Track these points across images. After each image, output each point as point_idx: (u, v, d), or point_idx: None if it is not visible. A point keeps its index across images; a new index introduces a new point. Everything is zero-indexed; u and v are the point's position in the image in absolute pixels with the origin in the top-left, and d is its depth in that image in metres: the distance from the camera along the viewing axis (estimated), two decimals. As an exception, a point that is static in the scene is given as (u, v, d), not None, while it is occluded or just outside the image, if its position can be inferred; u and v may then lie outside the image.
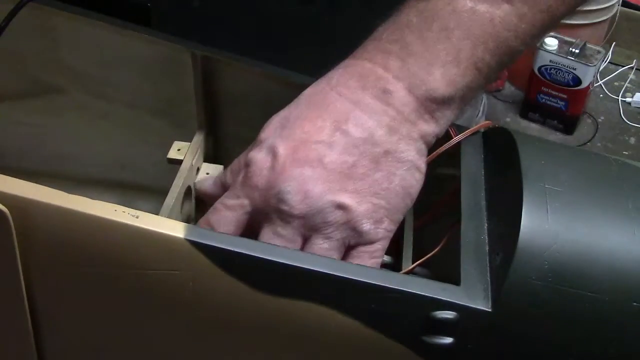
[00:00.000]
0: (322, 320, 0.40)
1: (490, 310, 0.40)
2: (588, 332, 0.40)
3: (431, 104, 0.45)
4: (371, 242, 0.44)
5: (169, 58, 0.57)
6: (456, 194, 0.46)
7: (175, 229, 0.39)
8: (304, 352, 0.42)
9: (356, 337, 0.41)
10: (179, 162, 0.55)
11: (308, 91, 0.46)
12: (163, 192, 0.52)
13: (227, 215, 0.45)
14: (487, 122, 0.51)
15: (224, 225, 0.45)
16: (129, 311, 0.43)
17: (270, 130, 0.45)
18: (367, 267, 0.43)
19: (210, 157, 0.60)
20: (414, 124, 0.45)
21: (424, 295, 0.39)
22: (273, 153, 0.44)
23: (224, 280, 0.40)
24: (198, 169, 0.57)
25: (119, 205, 0.40)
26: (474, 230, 0.44)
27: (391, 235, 0.45)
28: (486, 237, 0.43)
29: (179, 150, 0.56)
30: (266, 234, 0.44)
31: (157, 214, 0.42)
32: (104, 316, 0.43)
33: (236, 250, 0.39)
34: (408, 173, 0.45)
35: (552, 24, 0.47)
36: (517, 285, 0.39)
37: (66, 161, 0.65)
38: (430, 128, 0.45)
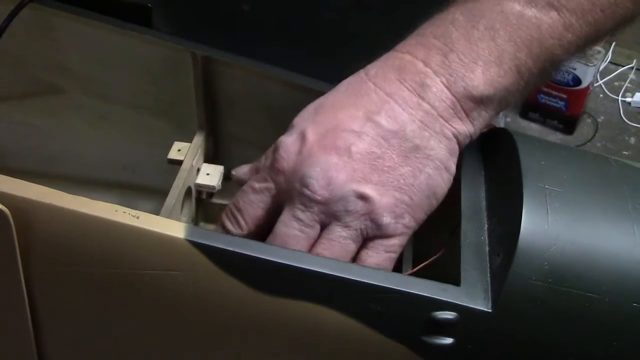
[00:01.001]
0: (322, 320, 0.40)
1: (490, 310, 0.40)
2: (588, 333, 0.40)
3: (469, 102, 0.44)
4: (389, 236, 0.44)
5: (169, 58, 0.57)
6: (456, 195, 0.46)
7: (176, 229, 0.39)
8: (304, 352, 0.42)
9: (356, 337, 0.41)
10: (179, 163, 0.55)
11: (346, 80, 0.47)
12: (163, 193, 0.52)
13: (253, 198, 0.46)
14: (488, 125, 0.50)
15: (250, 208, 0.46)
16: (129, 311, 0.43)
17: (304, 116, 0.46)
18: (367, 267, 0.43)
19: (211, 157, 0.60)
20: (447, 121, 0.44)
21: (424, 295, 0.39)
22: (302, 138, 0.44)
23: (224, 280, 0.40)
24: (198, 170, 0.57)
25: (119, 206, 0.40)
26: (474, 230, 0.44)
27: (410, 232, 0.45)
28: (486, 237, 0.43)
29: (179, 150, 0.56)
30: (285, 216, 0.44)
31: (157, 214, 0.42)
32: (104, 316, 0.43)
33: (236, 250, 0.39)
34: (436, 172, 0.44)
35: (596, 39, 0.46)
36: (517, 286, 0.39)
37: (66, 161, 0.65)
38: (465, 127, 0.45)
